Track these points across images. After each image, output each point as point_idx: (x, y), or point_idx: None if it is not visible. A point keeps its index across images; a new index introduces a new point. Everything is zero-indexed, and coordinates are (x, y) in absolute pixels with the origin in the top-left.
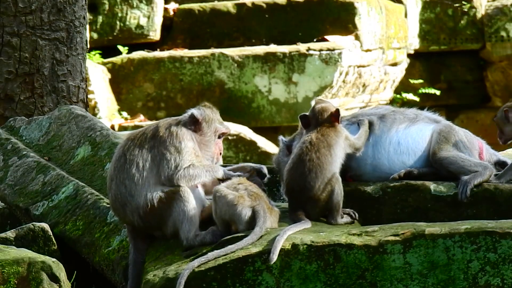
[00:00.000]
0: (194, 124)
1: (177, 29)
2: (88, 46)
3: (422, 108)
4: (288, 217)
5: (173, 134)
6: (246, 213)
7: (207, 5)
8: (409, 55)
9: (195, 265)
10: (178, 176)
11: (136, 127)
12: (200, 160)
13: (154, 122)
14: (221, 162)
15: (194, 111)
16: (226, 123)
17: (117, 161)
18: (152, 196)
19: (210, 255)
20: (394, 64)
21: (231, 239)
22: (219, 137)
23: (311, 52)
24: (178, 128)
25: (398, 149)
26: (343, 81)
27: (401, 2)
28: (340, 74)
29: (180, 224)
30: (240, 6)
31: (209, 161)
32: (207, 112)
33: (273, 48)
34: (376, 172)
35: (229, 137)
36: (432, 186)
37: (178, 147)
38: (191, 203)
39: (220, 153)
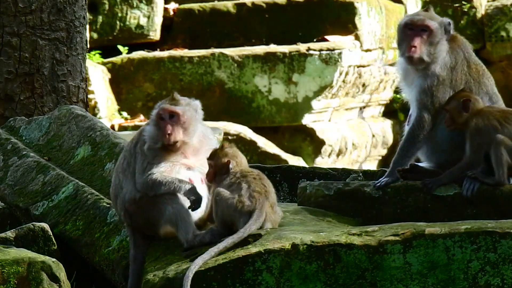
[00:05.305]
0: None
1: (177, 29)
2: (88, 46)
3: None
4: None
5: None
6: (244, 218)
7: (207, 5)
8: None
9: (199, 263)
10: (141, 182)
11: (136, 127)
12: (172, 164)
13: None
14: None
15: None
16: (225, 122)
17: (120, 156)
18: (134, 193)
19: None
20: (394, 64)
21: None
22: (161, 119)
23: (311, 52)
24: (145, 127)
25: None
26: (343, 81)
27: (401, 2)
28: (340, 74)
29: (176, 227)
30: (240, 6)
31: (160, 145)
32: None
33: (273, 48)
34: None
35: (229, 137)
36: None
37: (144, 150)
38: (179, 203)
39: (169, 134)
